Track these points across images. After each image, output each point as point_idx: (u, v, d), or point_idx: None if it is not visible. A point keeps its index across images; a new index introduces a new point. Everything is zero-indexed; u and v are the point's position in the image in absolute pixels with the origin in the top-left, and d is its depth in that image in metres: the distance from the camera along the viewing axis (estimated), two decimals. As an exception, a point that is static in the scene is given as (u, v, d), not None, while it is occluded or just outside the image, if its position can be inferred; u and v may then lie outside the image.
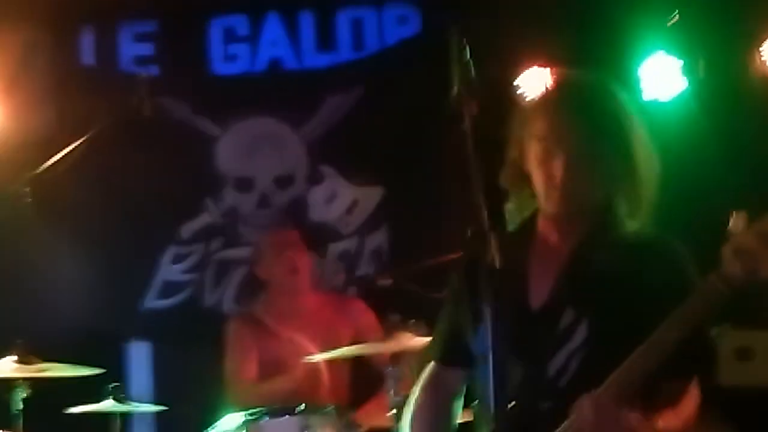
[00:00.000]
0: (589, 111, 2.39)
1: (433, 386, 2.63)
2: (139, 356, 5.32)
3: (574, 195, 2.38)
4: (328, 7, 5.48)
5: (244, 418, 3.87)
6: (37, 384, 4.07)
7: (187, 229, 5.38)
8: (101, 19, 5.50)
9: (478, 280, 2.05)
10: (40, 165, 4.76)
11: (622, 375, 2.24)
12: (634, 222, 2.43)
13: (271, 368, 4.52)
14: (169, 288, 5.37)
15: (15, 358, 4.00)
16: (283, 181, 5.41)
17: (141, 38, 5.51)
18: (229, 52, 5.50)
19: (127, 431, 4.51)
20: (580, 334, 2.36)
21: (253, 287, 4.94)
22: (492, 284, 2.05)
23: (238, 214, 5.40)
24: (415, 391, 2.66)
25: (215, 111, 5.43)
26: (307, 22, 5.48)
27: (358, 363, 4.55)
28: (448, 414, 2.61)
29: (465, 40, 2.25)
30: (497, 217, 2.34)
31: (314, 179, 5.39)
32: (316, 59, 5.48)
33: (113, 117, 4.92)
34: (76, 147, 4.82)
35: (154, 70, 5.45)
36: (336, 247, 5.34)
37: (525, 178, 2.45)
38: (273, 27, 5.49)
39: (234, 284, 5.34)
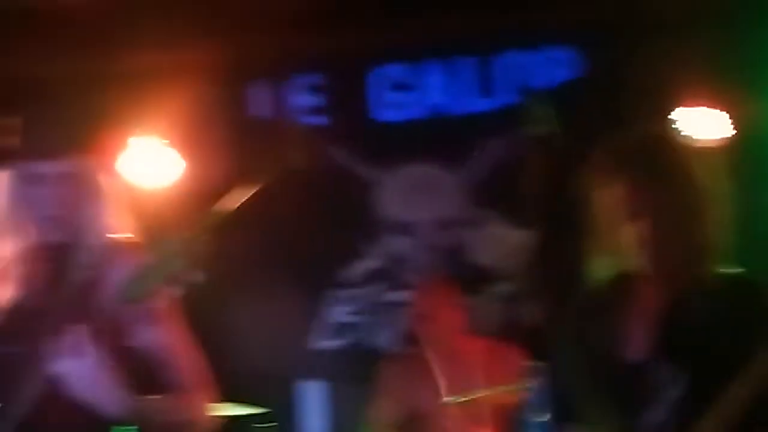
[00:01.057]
0: (665, 168, 2.42)
1: None
2: (311, 396, 5.56)
3: (662, 254, 2.40)
4: (487, 52, 5.61)
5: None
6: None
7: (353, 272, 5.60)
8: (272, 73, 5.82)
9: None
10: (216, 215, 5.08)
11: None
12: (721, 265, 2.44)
13: (414, 411, 4.61)
14: (339, 329, 5.60)
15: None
16: (444, 225, 5.55)
17: (309, 90, 5.79)
18: (392, 100, 5.70)
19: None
20: (678, 387, 2.36)
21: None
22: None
23: (399, 258, 5.58)
24: None
25: (377, 157, 5.64)
26: (466, 68, 5.64)
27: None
28: None
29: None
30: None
31: (475, 223, 5.51)
32: (475, 104, 5.61)
33: (281, 167, 5.21)
34: (243, 196, 5.11)
35: (321, 120, 5.74)
36: (496, 289, 5.42)
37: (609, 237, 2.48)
38: (434, 74, 5.66)
39: (398, 326, 5.50)
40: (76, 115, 5.18)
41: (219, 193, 5.21)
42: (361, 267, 5.62)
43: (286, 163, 5.23)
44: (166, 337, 2.81)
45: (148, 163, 5.33)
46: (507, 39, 5.56)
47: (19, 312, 2.79)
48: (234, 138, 5.70)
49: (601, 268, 2.54)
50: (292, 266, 5.50)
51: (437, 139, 5.58)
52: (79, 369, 2.59)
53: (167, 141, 5.35)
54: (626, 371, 2.42)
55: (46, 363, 2.60)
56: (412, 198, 5.60)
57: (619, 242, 2.46)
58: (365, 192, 5.63)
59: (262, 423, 4.45)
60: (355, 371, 5.35)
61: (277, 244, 5.48)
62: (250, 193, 5.07)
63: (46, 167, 2.79)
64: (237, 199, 5.04)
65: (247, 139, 5.66)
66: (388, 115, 5.69)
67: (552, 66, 5.55)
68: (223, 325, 5.35)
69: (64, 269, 2.78)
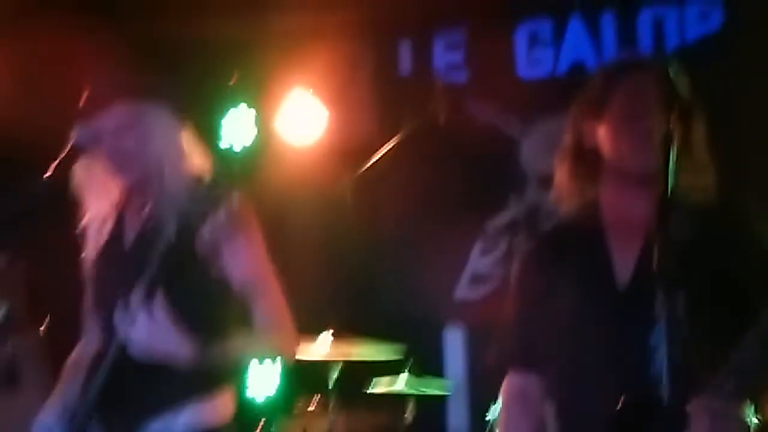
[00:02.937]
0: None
1: (521, 396, 2.62)
2: (454, 341, 5.76)
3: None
4: (630, 7, 5.64)
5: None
6: (350, 363, 4.60)
7: (493, 224, 5.77)
8: (417, 31, 5.98)
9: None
10: (361, 168, 5.33)
11: (729, 373, 2.23)
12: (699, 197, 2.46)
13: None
14: (479, 279, 5.78)
15: (330, 339, 4.53)
16: (584, 178, 5.62)
17: (452, 46, 5.93)
18: (534, 56, 5.80)
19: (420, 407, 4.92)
20: (679, 306, 2.29)
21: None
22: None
23: (540, 211, 5.70)
24: (500, 405, 2.66)
25: (519, 113, 5.75)
26: (608, 22, 5.67)
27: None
28: (542, 423, 2.58)
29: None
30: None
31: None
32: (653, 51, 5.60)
33: (423, 122, 5.41)
34: (390, 150, 5.34)
35: (463, 76, 5.89)
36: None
37: (590, 161, 2.51)
38: (575, 29, 5.73)
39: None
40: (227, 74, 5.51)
41: (366, 147, 5.50)
42: (503, 218, 5.77)
43: (430, 118, 5.43)
44: (251, 271, 2.85)
45: (299, 119, 5.60)
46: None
47: (112, 260, 2.94)
48: (380, 95, 5.91)
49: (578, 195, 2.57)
50: (438, 217, 5.70)
51: (575, 94, 5.64)
52: (142, 332, 2.68)
53: (316, 97, 5.60)
54: (620, 296, 2.40)
55: (119, 323, 2.71)
56: (553, 152, 5.69)
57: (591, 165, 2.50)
58: (507, 145, 5.76)
59: (405, 365, 4.67)
60: (496, 320, 5.51)
61: (422, 194, 5.66)
62: (396, 148, 5.32)
63: (102, 122, 2.87)
64: (385, 152, 5.30)
65: (392, 95, 5.87)
66: (531, 71, 5.79)
67: (695, 20, 5.55)
68: (373, 271, 5.60)
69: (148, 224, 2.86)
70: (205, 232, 2.63)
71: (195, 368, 2.73)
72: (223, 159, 5.58)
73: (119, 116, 2.86)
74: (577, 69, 5.70)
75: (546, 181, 5.65)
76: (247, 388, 5.63)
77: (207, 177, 2.78)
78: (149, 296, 2.66)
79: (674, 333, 2.27)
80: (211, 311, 2.83)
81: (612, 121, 2.48)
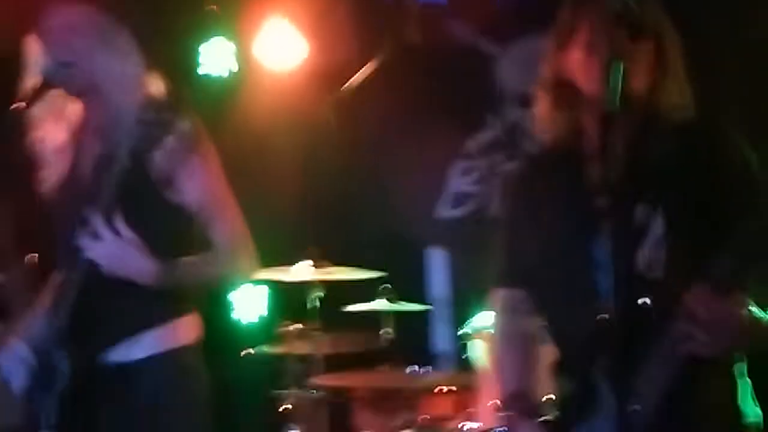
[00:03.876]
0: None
1: (508, 313, 2.70)
2: (436, 261, 5.83)
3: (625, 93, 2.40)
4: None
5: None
6: (331, 285, 4.68)
7: (473, 143, 5.80)
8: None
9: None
10: (340, 92, 5.36)
11: (719, 267, 2.29)
12: (678, 115, 2.51)
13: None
14: (459, 198, 5.84)
15: (310, 262, 4.60)
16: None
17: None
18: (510, -26, 5.79)
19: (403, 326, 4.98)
20: (657, 225, 2.41)
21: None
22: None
23: (519, 129, 5.73)
24: (495, 321, 2.75)
25: (497, 32, 5.74)
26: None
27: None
28: (533, 338, 2.66)
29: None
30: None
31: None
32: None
33: (401, 43, 5.42)
34: (368, 73, 5.36)
35: (443, -1, 5.88)
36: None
37: (568, 90, 2.54)
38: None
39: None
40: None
41: (344, 72, 5.51)
42: (483, 137, 5.81)
43: (408, 40, 5.43)
44: (207, 194, 2.90)
45: (278, 46, 5.61)
46: None
47: (70, 186, 2.98)
48: (360, 19, 5.90)
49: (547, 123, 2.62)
50: (418, 138, 5.73)
51: (555, 11, 5.63)
52: (107, 250, 2.74)
53: (296, 24, 5.60)
54: (603, 215, 2.42)
55: (83, 243, 2.76)
56: (532, 70, 5.70)
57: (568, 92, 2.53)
58: (485, 65, 5.77)
59: (382, 285, 4.75)
60: (478, 238, 5.57)
61: (400, 115, 5.70)
62: (374, 69, 5.34)
63: (57, 19, 2.90)
64: (363, 76, 5.32)
65: (372, 20, 5.86)
66: (506, -11, 5.79)
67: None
68: (352, 194, 5.65)
69: (104, 147, 2.89)
70: (158, 156, 2.68)
71: (158, 286, 2.79)
72: (194, 86, 5.63)
73: (74, 15, 2.90)
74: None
75: (524, 100, 5.75)
76: (232, 310, 5.75)
77: (161, 101, 2.80)
78: (109, 217, 2.70)
79: (655, 244, 2.38)
80: (169, 233, 2.89)
81: (578, 51, 2.52)
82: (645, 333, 2.35)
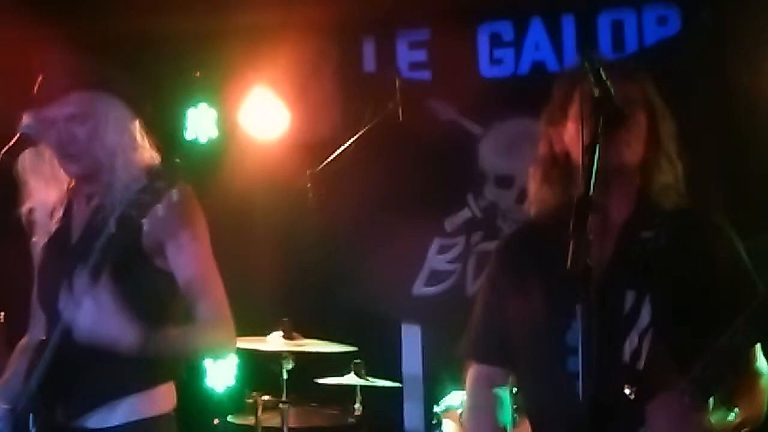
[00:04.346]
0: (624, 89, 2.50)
1: (481, 387, 2.73)
2: (410, 338, 5.81)
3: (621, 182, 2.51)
4: (590, 10, 5.70)
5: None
6: (301, 357, 4.65)
7: (451, 222, 5.82)
8: (380, 28, 6.01)
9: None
10: (322, 163, 5.38)
11: (696, 375, 2.30)
12: (670, 200, 2.55)
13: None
14: (436, 276, 5.84)
15: (281, 333, 4.58)
16: (542, 179, 5.69)
17: (415, 45, 5.98)
18: (495, 56, 5.86)
19: (374, 401, 4.95)
20: (645, 313, 2.42)
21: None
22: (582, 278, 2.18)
23: (497, 209, 5.76)
24: (467, 394, 2.77)
25: (480, 112, 5.81)
26: (569, 25, 5.74)
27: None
28: (502, 412, 2.69)
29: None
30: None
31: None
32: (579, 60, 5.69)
33: (384, 118, 5.45)
34: (349, 146, 5.39)
35: (426, 75, 5.94)
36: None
37: (561, 165, 2.58)
38: (536, 31, 5.79)
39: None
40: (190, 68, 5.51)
41: (327, 144, 5.54)
42: (462, 216, 5.83)
43: (391, 115, 5.47)
44: (194, 267, 2.90)
45: (261, 115, 5.64)
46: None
47: (57, 249, 2.97)
48: (343, 91, 5.95)
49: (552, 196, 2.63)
50: (397, 214, 5.72)
51: (539, 95, 5.69)
52: (87, 316, 2.68)
53: (279, 93, 5.64)
54: (596, 298, 2.37)
55: (64, 307, 2.72)
56: (512, 151, 5.76)
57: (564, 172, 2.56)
58: (466, 143, 5.81)
59: (357, 360, 4.72)
60: (453, 317, 5.56)
61: (381, 191, 5.71)
62: (357, 144, 5.36)
63: (55, 110, 2.89)
64: (345, 149, 5.34)
65: (355, 92, 5.91)
66: (492, 71, 5.84)
67: (654, 24, 5.62)
68: (331, 267, 5.64)
69: (98, 211, 2.89)
70: (147, 225, 2.65)
71: (137, 355, 2.76)
72: (181, 151, 5.63)
73: (72, 105, 2.89)
74: (538, 69, 5.77)
75: (504, 181, 5.81)
76: (205, 379, 5.70)
77: (154, 169, 2.78)
78: (94, 282, 2.67)
79: (641, 333, 2.39)
80: (155, 299, 2.87)
81: (573, 124, 2.56)
82: (622, 422, 2.36)
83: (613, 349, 2.42)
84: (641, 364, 2.42)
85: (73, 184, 3.02)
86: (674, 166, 2.58)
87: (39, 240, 3.04)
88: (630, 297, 2.45)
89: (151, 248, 2.81)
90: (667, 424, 2.31)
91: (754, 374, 2.52)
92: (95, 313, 2.68)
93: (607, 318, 2.39)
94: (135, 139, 2.95)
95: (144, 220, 2.64)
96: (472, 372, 2.75)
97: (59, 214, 3.02)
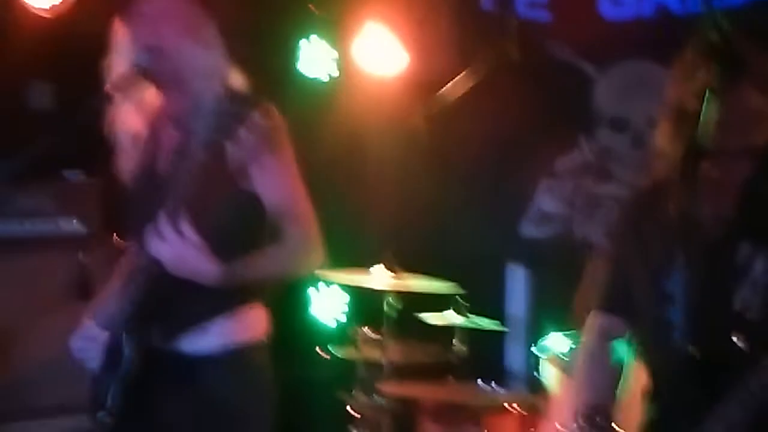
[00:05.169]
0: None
1: (599, 335, 2.74)
2: (516, 279, 5.79)
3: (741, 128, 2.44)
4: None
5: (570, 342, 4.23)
6: (407, 293, 4.69)
7: (562, 163, 5.76)
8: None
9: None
10: (435, 102, 5.37)
11: None
12: None
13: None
14: (544, 218, 5.80)
15: (384, 268, 4.61)
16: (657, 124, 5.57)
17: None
18: (616, -2, 5.73)
19: (477, 341, 4.95)
20: (759, 266, 2.41)
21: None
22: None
23: (611, 153, 5.67)
24: (582, 341, 2.79)
25: (598, 54, 5.69)
26: (694, -32, 5.57)
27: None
28: (616, 363, 2.71)
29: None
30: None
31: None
32: (698, 5, 5.53)
33: (499, 58, 5.40)
34: (464, 86, 5.36)
35: (545, 15, 5.84)
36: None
37: (685, 119, 2.50)
38: (660, -27, 5.64)
39: (602, 219, 5.64)
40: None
41: (441, 82, 5.52)
42: (574, 159, 5.76)
43: (507, 55, 5.42)
44: (279, 188, 2.93)
45: (375, 51, 5.63)
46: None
47: (148, 175, 3.03)
48: (461, 30, 5.90)
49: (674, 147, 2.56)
50: (509, 154, 5.72)
51: (659, 37, 5.57)
52: (170, 251, 2.75)
53: (396, 31, 5.62)
54: (708, 250, 2.43)
55: (149, 240, 2.79)
56: (629, 94, 5.66)
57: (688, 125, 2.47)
58: (583, 86, 5.71)
59: (465, 301, 4.73)
60: (560, 260, 5.52)
61: (493, 130, 5.67)
62: (472, 83, 5.33)
63: (147, 4, 2.95)
64: (459, 88, 5.32)
65: (473, 31, 5.86)
66: (614, 12, 5.69)
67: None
68: (441, 205, 5.65)
69: (185, 138, 2.93)
70: (230, 147, 2.68)
71: (222, 286, 2.81)
72: (294, 84, 5.69)
73: (176, 27, 2.94)
74: (662, 12, 5.61)
75: (618, 124, 5.71)
76: (309, 309, 5.80)
77: (239, 94, 2.82)
78: (176, 214, 2.73)
79: (753, 284, 2.38)
80: (239, 225, 2.91)
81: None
82: (731, 372, 2.35)
83: (722, 299, 2.42)
84: (751, 315, 2.42)
85: (157, 107, 3.06)
86: None
87: (124, 162, 3.10)
88: (744, 249, 2.44)
89: (235, 170, 2.83)
90: None
91: None
92: (175, 249, 2.74)
93: (718, 268, 2.41)
94: (221, 60, 2.98)
95: (227, 143, 2.67)
96: (591, 321, 2.77)
97: (143, 141, 3.07)
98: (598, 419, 2.59)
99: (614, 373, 2.71)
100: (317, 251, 2.97)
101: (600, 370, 2.73)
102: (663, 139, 2.61)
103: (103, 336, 2.94)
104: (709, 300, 2.37)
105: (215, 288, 2.85)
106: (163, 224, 2.73)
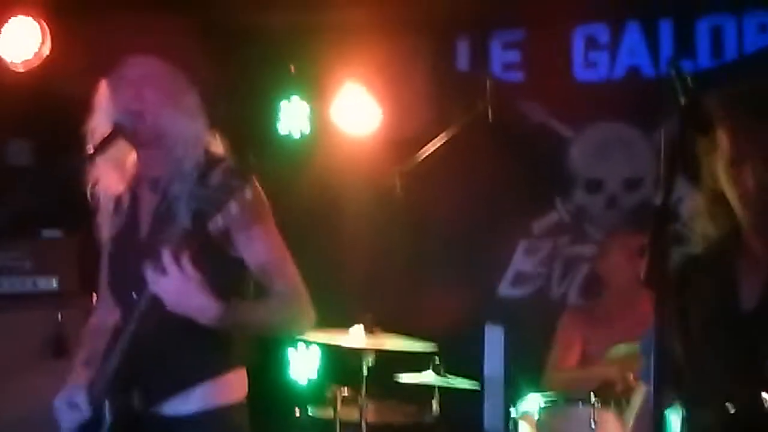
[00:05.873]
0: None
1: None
2: (493, 339, 5.79)
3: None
4: (688, 15, 5.60)
5: (543, 401, 4.22)
6: (383, 353, 4.67)
7: (539, 225, 5.81)
8: (475, 28, 6.00)
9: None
10: (412, 161, 5.40)
11: None
12: None
13: (592, 359, 4.79)
14: (521, 278, 5.83)
15: (362, 327, 4.60)
16: (632, 184, 5.65)
17: (509, 46, 5.96)
18: (590, 59, 5.80)
19: (453, 401, 4.95)
20: None
21: (595, 283, 5.24)
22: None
23: (586, 214, 5.72)
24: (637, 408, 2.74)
25: (572, 115, 5.77)
26: (666, 30, 5.66)
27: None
28: None
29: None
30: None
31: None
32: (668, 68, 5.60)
33: (475, 118, 5.45)
34: (439, 145, 5.40)
35: (519, 76, 5.92)
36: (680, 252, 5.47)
37: (720, 200, 2.51)
38: (633, 35, 5.72)
39: (578, 279, 5.67)
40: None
41: (417, 141, 5.55)
42: (550, 220, 5.80)
43: (482, 115, 5.46)
44: (265, 255, 2.94)
45: (352, 111, 5.67)
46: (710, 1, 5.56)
47: (127, 237, 3.04)
48: (436, 90, 5.95)
49: (712, 221, 2.56)
50: (485, 214, 5.75)
51: (632, 99, 5.65)
52: (173, 285, 2.73)
53: (372, 90, 5.67)
54: (741, 323, 2.44)
55: (149, 282, 2.76)
56: (603, 156, 5.72)
57: (726, 195, 2.48)
58: (557, 146, 5.78)
59: (442, 361, 4.72)
60: (537, 319, 5.53)
61: (469, 190, 5.71)
62: (446, 141, 5.37)
63: (131, 69, 2.97)
64: (435, 147, 5.35)
65: (448, 91, 5.91)
66: (586, 74, 5.79)
67: (755, 31, 5.52)
68: (417, 265, 5.66)
69: (165, 196, 2.94)
70: (219, 218, 2.68)
71: (217, 327, 2.80)
72: (274, 144, 5.71)
73: (158, 93, 2.96)
74: (633, 74, 5.70)
75: (593, 185, 5.76)
76: (288, 370, 5.77)
77: (225, 165, 2.82)
78: (177, 255, 2.72)
79: None
80: (230, 281, 2.91)
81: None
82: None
83: (757, 366, 2.38)
84: None
85: (136, 170, 3.07)
86: None
87: (104, 227, 3.09)
88: None
89: (221, 238, 2.81)
90: None
91: None
92: (177, 283, 2.71)
93: (755, 336, 2.40)
94: (202, 126, 3.00)
95: (217, 215, 2.67)
96: (642, 392, 2.73)
97: (123, 203, 3.07)
98: None
99: None
100: (308, 305, 2.97)
101: None
102: (703, 219, 2.59)
103: (85, 405, 2.91)
104: (743, 367, 2.37)
105: (201, 349, 2.85)
106: (166, 260, 2.72)
